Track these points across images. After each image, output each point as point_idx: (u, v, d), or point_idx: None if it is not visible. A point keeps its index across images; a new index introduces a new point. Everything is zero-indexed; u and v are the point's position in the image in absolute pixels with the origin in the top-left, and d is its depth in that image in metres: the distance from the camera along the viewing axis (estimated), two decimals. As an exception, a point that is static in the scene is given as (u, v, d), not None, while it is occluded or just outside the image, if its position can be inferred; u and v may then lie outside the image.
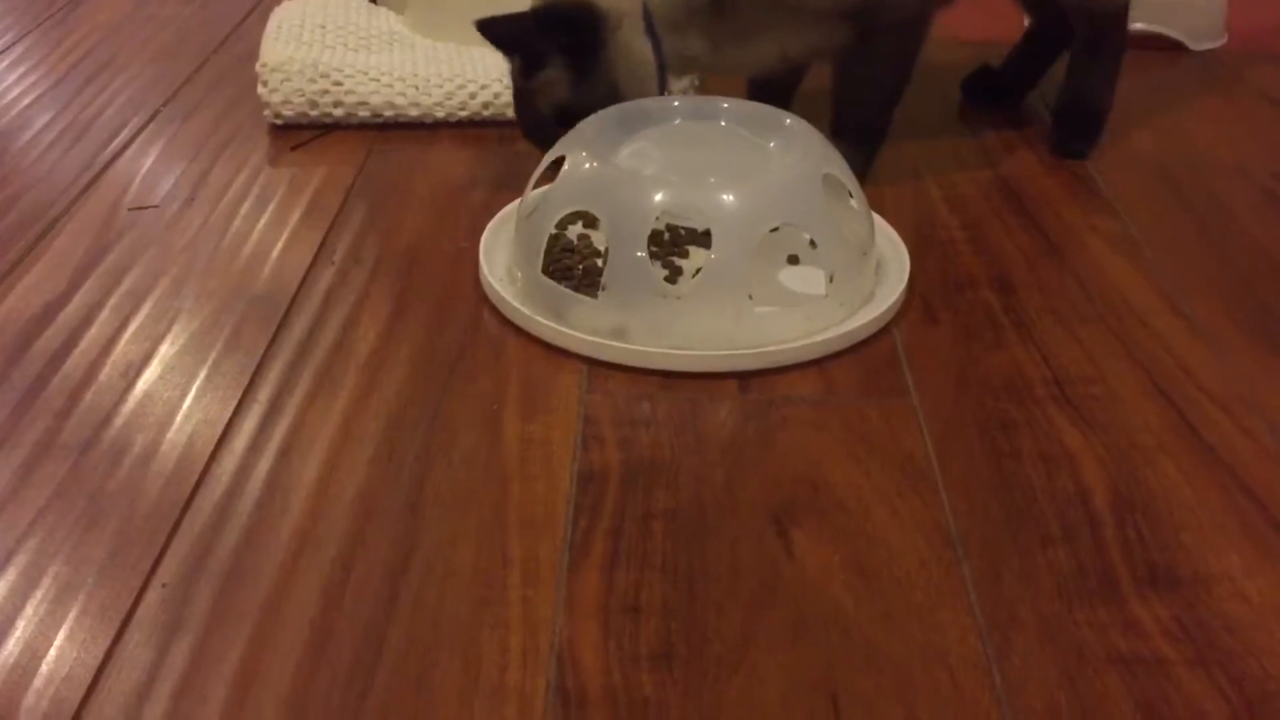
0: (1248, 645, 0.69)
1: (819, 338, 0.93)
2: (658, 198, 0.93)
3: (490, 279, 0.99)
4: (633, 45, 1.09)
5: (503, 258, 1.03)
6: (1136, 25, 1.52)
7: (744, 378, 0.91)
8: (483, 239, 1.04)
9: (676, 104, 1.06)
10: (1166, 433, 0.86)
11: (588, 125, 1.01)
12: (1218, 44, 1.55)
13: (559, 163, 0.98)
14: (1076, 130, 1.27)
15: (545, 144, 1.04)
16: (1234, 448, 0.84)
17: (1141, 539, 0.76)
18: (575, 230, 1.04)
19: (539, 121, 1.12)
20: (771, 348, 0.92)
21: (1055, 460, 0.83)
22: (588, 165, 0.96)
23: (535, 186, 1.02)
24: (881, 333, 0.96)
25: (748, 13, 1.09)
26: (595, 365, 0.92)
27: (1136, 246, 1.09)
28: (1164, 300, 1.01)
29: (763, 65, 1.15)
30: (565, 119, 1.05)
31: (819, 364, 0.93)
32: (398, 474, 0.82)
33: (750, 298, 0.92)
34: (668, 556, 0.75)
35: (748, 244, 0.92)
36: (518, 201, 1.05)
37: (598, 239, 1.01)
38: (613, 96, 1.07)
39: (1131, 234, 1.11)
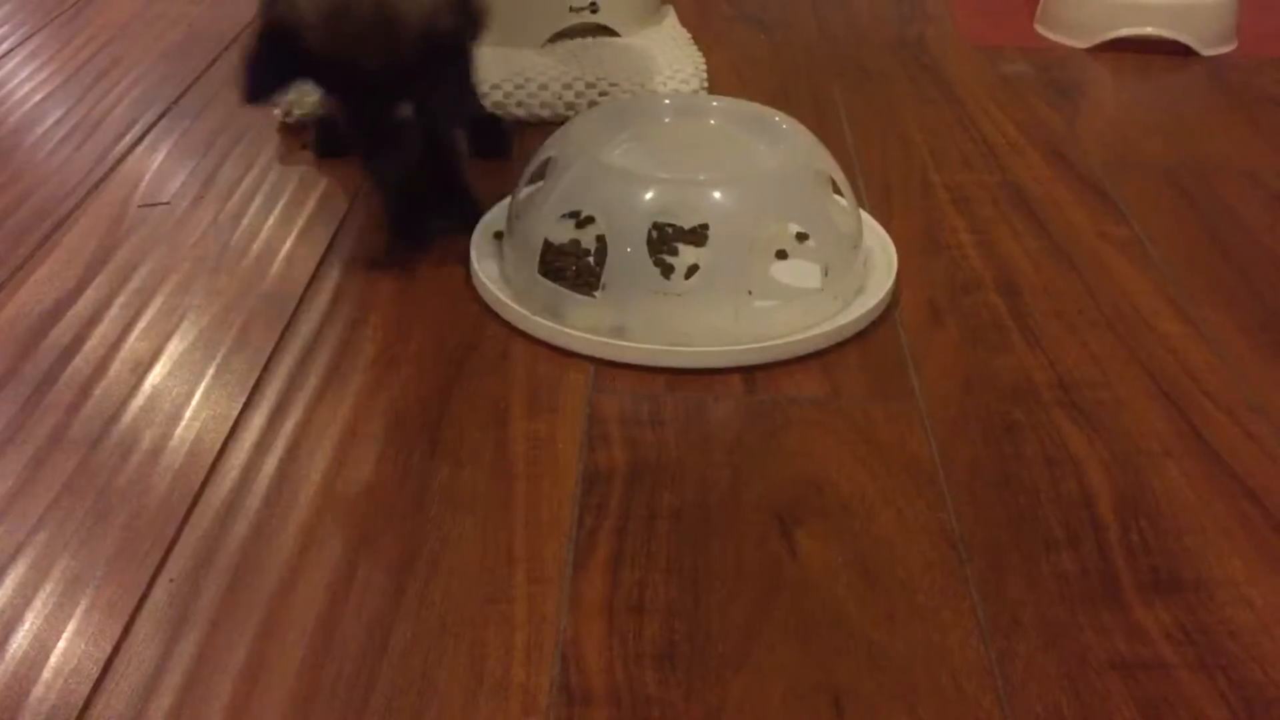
0: (1250, 650, 0.69)
1: (817, 330, 0.94)
2: (650, 195, 0.93)
3: (485, 280, 0.99)
4: None
5: (495, 258, 1.03)
6: (1147, 30, 1.52)
7: (749, 376, 0.91)
8: (474, 238, 1.04)
9: (666, 102, 1.06)
10: (1171, 437, 0.86)
11: (575, 124, 1.01)
12: (1228, 49, 1.55)
13: (547, 162, 0.98)
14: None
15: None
16: (1239, 453, 0.84)
17: (1145, 543, 0.77)
18: (566, 230, 1.03)
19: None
20: (774, 341, 0.92)
21: (1060, 464, 0.83)
22: (579, 164, 0.96)
23: (526, 185, 1.01)
24: (888, 334, 0.97)
25: None
26: (602, 364, 0.92)
27: (1144, 251, 1.09)
28: (1170, 305, 1.01)
29: None
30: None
31: (824, 365, 0.93)
32: (404, 472, 0.82)
33: (750, 293, 0.92)
34: (672, 556, 0.75)
35: (747, 240, 0.93)
36: (507, 200, 1.05)
37: (585, 239, 1.01)
38: None
39: (1139, 238, 1.11)
